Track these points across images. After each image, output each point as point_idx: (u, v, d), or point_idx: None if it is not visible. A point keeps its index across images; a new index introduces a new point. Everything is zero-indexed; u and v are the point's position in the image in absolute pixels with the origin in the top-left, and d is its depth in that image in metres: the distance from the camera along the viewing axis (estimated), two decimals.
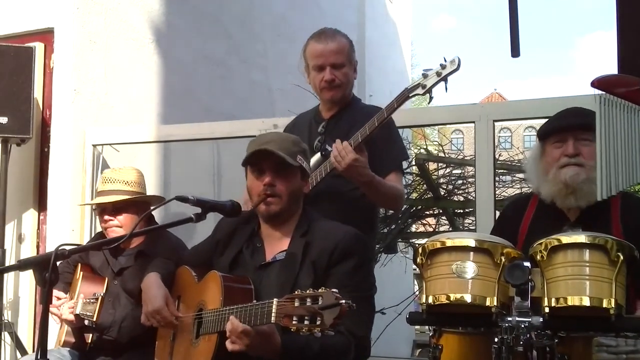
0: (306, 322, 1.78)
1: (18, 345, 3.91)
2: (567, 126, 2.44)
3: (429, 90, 2.53)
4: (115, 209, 3.08)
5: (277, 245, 2.38)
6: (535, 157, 2.53)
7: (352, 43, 2.91)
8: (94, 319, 2.83)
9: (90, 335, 2.99)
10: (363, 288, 2.28)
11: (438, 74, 2.50)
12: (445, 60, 2.49)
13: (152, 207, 3.13)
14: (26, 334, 4.23)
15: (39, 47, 4.29)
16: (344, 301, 1.76)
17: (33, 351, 3.92)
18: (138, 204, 3.11)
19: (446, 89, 2.52)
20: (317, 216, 2.43)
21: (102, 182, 3.17)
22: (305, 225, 2.36)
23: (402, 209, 6.63)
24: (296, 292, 1.85)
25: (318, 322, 1.76)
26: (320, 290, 1.80)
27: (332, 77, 2.82)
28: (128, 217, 3.08)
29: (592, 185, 2.30)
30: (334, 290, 1.79)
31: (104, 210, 3.10)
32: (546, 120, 2.61)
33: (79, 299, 2.90)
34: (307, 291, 1.82)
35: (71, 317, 2.86)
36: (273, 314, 1.89)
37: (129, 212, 3.08)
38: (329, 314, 1.75)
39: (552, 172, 2.42)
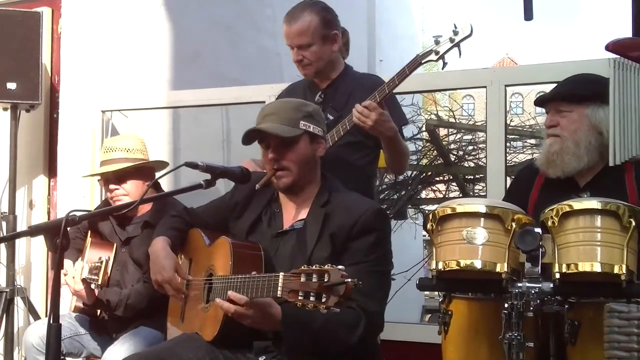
0: (312, 299, 1.75)
1: (31, 310, 3.96)
2: (546, 98, 2.47)
3: (442, 57, 2.53)
4: (118, 177, 3.05)
5: (295, 213, 2.35)
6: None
7: (328, 17, 2.83)
8: (100, 282, 2.85)
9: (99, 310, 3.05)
10: (380, 264, 2.23)
11: (451, 40, 2.50)
12: (456, 27, 2.49)
13: (159, 175, 3.13)
14: (39, 299, 4.28)
15: (46, 11, 4.25)
16: (349, 280, 1.73)
17: (45, 316, 3.98)
18: (141, 170, 3.10)
19: (460, 54, 2.52)
20: (337, 185, 2.38)
21: (104, 151, 3.15)
22: (326, 195, 2.31)
23: (412, 174, 6.64)
24: (303, 267, 1.82)
25: (323, 300, 1.74)
26: (326, 266, 1.77)
27: (299, 57, 2.82)
28: (133, 184, 3.06)
29: (565, 155, 2.34)
30: (341, 267, 1.76)
31: (108, 180, 3.08)
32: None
33: (85, 265, 2.93)
34: (314, 267, 1.79)
35: (80, 287, 2.87)
36: (279, 288, 1.87)
37: (134, 179, 3.06)
38: (335, 291, 1.73)
39: (542, 143, 2.47)
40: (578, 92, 2.40)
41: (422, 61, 2.56)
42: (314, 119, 2.33)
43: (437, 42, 2.52)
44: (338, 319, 2.02)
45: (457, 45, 2.50)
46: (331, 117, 2.76)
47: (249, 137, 2.33)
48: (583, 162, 2.34)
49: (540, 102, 2.51)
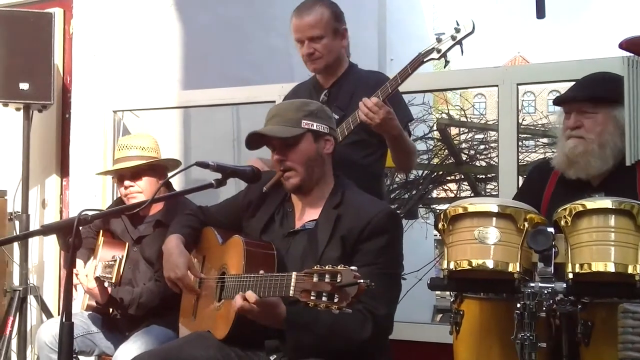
0: (324, 299, 1.76)
1: (44, 308, 3.98)
2: (570, 98, 2.42)
3: (444, 55, 2.51)
4: (133, 174, 3.09)
5: (307, 212, 2.35)
6: (559, 125, 2.50)
7: (338, 11, 2.85)
8: (113, 281, 2.87)
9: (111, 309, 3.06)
10: (390, 267, 2.23)
11: (453, 37, 2.48)
12: (458, 24, 2.47)
13: (170, 174, 3.16)
14: (52, 297, 4.31)
15: (58, 12, 4.28)
16: (362, 281, 1.73)
17: (58, 314, 4.00)
18: (156, 168, 3.13)
19: (462, 52, 2.50)
20: (350, 185, 2.38)
21: (118, 149, 3.19)
22: (339, 196, 2.30)
23: (423, 174, 6.62)
24: (316, 267, 1.82)
25: (336, 300, 1.74)
26: (339, 267, 1.77)
27: (310, 50, 2.81)
28: (147, 181, 3.09)
29: (590, 158, 2.30)
30: (353, 268, 1.76)
31: (122, 176, 3.11)
32: (570, 84, 2.56)
33: (98, 263, 2.94)
34: (327, 267, 1.79)
35: (93, 285, 2.88)
36: (292, 288, 1.87)
37: (148, 176, 3.10)
38: (347, 292, 1.73)
39: (560, 142, 2.42)
40: (604, 93, 2.34)
41: (424, 60, 2.54)
42: (317, 117, 2.32)
43: (439, 40, 2.51)
44: (344, 321, 2.01)
45: (459, 42, 2.48)
46: (336, 117, 2.73)
47: (252, 141, 2.34)
48: (608, 164, 2.30)
49: (560, 101, 2.45)
